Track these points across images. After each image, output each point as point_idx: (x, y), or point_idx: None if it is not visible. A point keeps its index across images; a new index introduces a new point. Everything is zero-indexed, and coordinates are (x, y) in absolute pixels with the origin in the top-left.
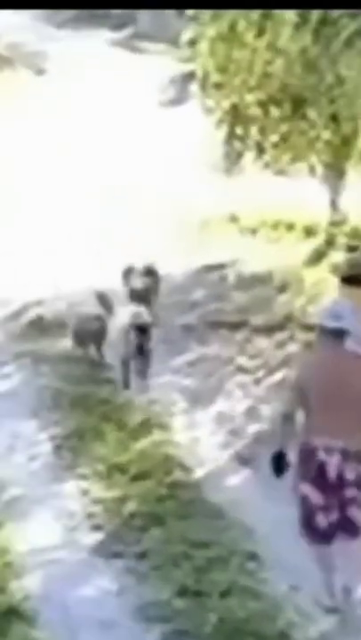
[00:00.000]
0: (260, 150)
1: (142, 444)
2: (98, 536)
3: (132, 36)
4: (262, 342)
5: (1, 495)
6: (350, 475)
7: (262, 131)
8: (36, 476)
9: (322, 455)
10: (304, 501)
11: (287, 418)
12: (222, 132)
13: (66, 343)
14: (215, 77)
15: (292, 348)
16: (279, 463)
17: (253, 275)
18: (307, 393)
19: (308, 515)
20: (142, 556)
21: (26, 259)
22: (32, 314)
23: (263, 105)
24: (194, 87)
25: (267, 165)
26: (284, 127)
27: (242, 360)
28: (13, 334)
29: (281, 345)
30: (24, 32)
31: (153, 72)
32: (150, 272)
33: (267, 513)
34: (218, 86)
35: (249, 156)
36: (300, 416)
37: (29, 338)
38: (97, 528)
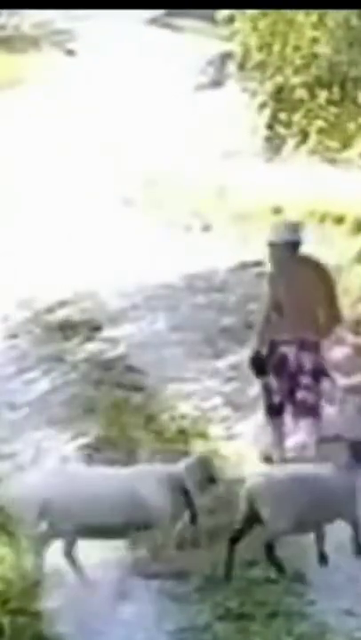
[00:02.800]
0: (305, 136)
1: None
2: (133, 555)
3: (168, 13)
4: None
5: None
6: (308, 364)
7: (308, 115)
8: None
9: (283, 348)
10: (265, 386)
11: (266, 321)
12: (264, 117)
13: (95, 346)
14: (257, 56)
15: (342, 350)
16: (259, 365)
17: None
18: (277, 301)
19: (267, 394)
20: (181, 576)
21: (50, 257)
22: (58, 315)
23: (310, 87)
24: (233, 68)
25: (313, 152)
26: (332, 111)
27: None
28: (38, 337)
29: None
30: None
31: (190, 52)
32: None
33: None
34: (260, 66)
35: (293, 143)
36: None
37: (56, 340)
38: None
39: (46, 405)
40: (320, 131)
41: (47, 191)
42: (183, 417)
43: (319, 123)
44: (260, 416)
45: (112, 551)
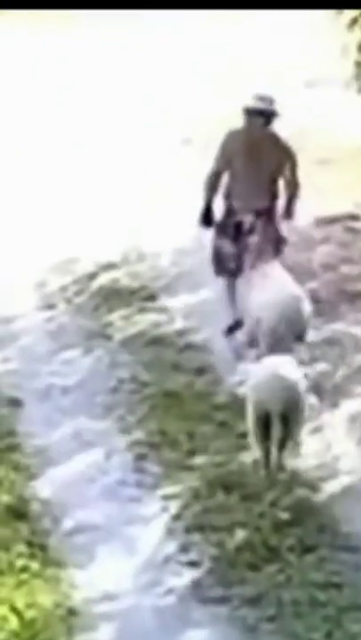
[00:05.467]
0: None
1: (254, 453)
2: (193, 575)
3: None
4: None
5: (62, 523)
6: (259, 227)
7: None
8: (110, 496)
9: (240, 215)
10: (218, 251)
11: (215, 176)
12: (356, 37)
13: (147, 318)
14: None
15: None
16: (207, 216)
17: None
18: (231, 162)
19: (219, 260)
20: (253, 602)
21: (93, 211)
22: (104, 279)
23: None
24: None
25: None
26: None
27: None
28: (80, 307)
29: None
30: None
31: None
32: None
33: None
34: None
35: None
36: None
37: (101, 312)
38: (192, 565)
39: (88, 391)
40: None
41: (91, 131)
42: None
43: None
44: (351, 404)
45: (162, 571)
